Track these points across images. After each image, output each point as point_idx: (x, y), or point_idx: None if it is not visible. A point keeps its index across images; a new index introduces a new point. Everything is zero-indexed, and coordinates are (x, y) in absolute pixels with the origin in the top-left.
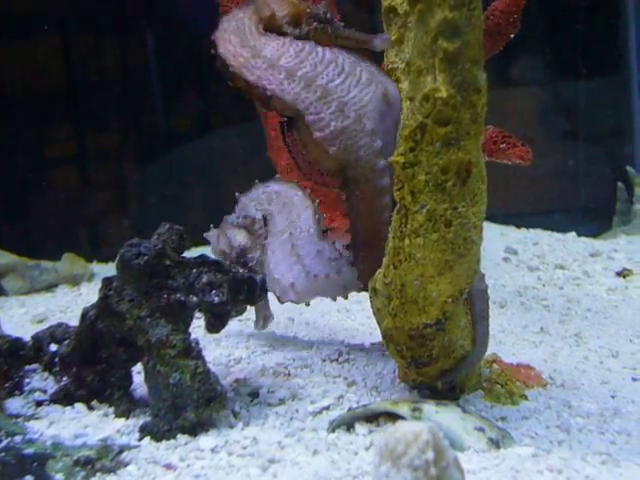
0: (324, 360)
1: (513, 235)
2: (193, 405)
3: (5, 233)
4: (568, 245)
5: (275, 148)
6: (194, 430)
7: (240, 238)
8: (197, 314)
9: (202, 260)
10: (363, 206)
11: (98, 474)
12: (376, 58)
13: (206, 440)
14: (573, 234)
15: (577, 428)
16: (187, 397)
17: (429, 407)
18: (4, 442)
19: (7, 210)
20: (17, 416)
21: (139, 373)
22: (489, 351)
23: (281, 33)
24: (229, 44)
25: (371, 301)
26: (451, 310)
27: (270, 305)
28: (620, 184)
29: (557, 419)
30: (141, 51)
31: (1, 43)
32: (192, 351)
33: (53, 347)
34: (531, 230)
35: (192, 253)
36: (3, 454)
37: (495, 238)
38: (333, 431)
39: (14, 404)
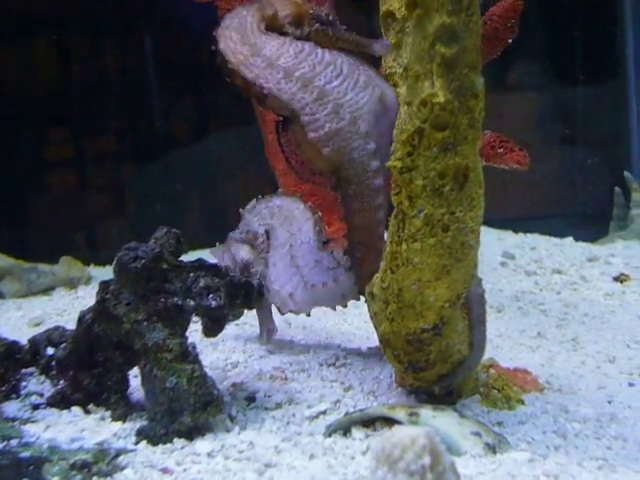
0: (321, 364)
1: (510, 240)
2: (190, 409)
3: (2, 236)
4: (565, 250)
5: (272, 151)
6: (190, 434)
7: (243, 253)
8: (194, 318)
9: (199, 264)
10: (356, 205)
11: (94, 478)
12: (374, 62)
13: (202, 444)
14: (570, 239)
15: (574, 433)
16: (184, 401)
17: (426, 412)
18: (0, 446)
19: (4, 212)
20: (13, 419)
21: (136, 377)
22: (486, 356)
23: (282, 33)
24: (230, 41)
25: (368, 305)
26: (448, 315)
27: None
28: (617, 189)
29: (554, 424)
30: (139, 53)
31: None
32: (189, 355)
33: (50, 350)
34: (528, 235)
35: (189, 257)
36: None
37: (492, 243)
38: (330, 435)
39: (10, 407)
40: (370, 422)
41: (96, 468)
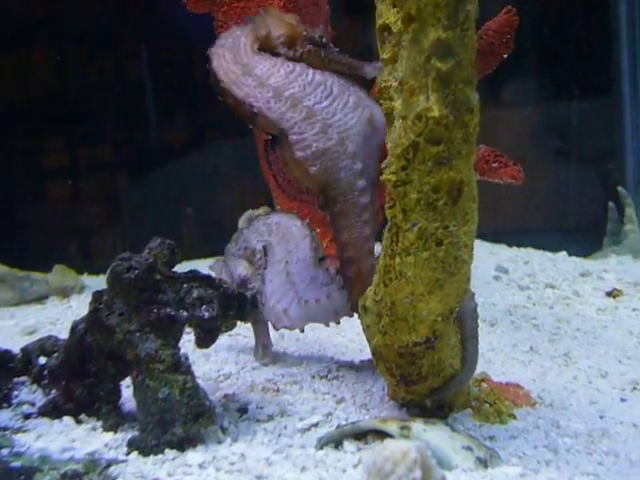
0: (313, 377)
1: (504, 254)
2: (181, 420)
3: None
4: (558, 264)
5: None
6: (182, 445)
7: (241, 269)
8: (187, 329)
9: (193, 275)
10: (343, 222)
11: None
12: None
13: (194, 455)
14: (564, 253)
15: (565, 448)
16: (175, 412)
17: (418, 425)
18: None
19: None
20: (5, 429)
21: (128, 387)
22: (478, 370)
23: (275, 53)
24: (223, 60)
25: (361, 318)
26: (441, 329)
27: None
28: (611, 204)
29: (545, 439)
30: (136, 64)
31: None
32: (181, 366)
33: (42, 360)
34: (522, 249)
35: (183, 267)
36: None
37: (486, 256)
38: (321, 448)
39: (2, 416)
40: (362, 435)
41: (87, 478)
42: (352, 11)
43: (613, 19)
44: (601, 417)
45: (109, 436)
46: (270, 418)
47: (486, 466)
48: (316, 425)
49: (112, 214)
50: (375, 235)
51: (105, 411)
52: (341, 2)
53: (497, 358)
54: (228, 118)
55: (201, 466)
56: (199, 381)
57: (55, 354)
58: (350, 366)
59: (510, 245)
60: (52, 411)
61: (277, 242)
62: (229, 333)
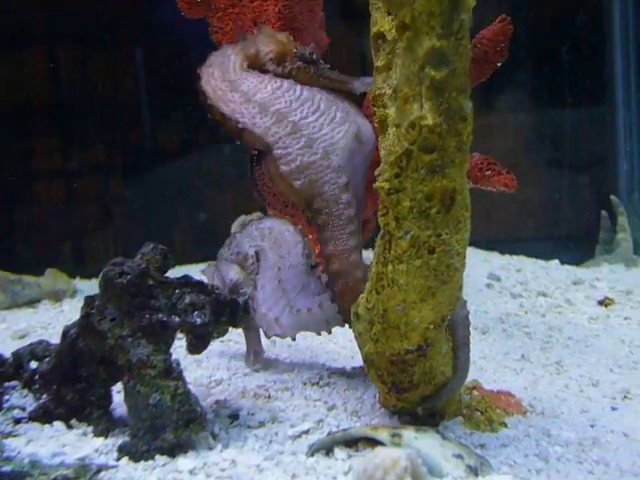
0: (305, 383)
1: (497, 261)
2: (172, 426)
3: None
4: (551, 273)
5: None
6: (173, 451)
7: (232, 274)
8: (179, 334)
9: (185, 280)
10: (327, 234)
11: None
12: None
13: (184, 462)
14: (556, 262)
15: (556, 457)
16: (166, 418)
17: (408, 433)
18: None
19: None
20: None
21: (119, 392)
22: (470, 377)
23: (264, 70)
24: (212, 78)
25: (353, 325)
26: (433, 336)
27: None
28: (604, 213)
29: (536, 447)
30: (130, 67)
31: None
32: (173, 372)
33: (33, 364)
34: (514, 257)
35: (176, 272)
36: None
37: (478, 264)
38: (312, 455)
39: None
40: (353, 442)
41: None
42: (347, 17)
43: (606, 26)
44: (592, 426)
45: (100, 441)
46: (261, 424)
47: (477, 474)
48: (307, 432)
49: (105, 218)
50: (362, 247)
51: (96, 416)
52: (336, 8)
53: (489, 366)
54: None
55: (192, 472)
56: (190, 387)
57: (46, 359)
58: (342, 373)
59: (503, 253)
60: (43, 416)
61: (269, 247)
62: (221, 339)
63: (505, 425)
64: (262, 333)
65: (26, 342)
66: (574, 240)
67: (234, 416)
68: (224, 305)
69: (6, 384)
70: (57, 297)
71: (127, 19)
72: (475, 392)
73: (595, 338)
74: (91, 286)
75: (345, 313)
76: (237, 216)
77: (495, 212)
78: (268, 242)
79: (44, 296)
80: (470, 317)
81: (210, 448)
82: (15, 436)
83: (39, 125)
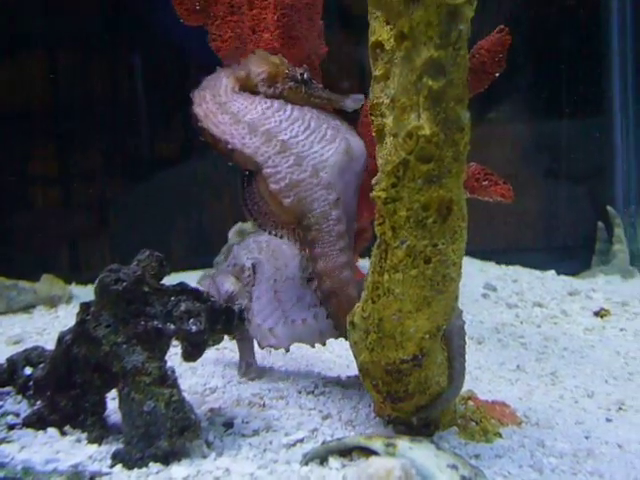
0: (300, 392)
1: (493, 271)
2: (166, 434)
3: None
4: (547, 283)
5: None
6: (166, 459)
7: (228, 285)
8: (174, 342)
9: (181, 288)
10: (318, 250)
11: None
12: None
13: (178, 469)
14: (552, 272)
15: (550, 468)
16: (161, 425)
17: (403, 443)
18: None
19: None
20: None
21: (113, 399)
22: (465, 387)
23: (255, 92)
24: (203, 101)
25: (348, 334)
26: (428, 346)
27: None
28: (600, 224)
29: (530, 458)
30: (127, 73)
31: None
32: (167, 379)
33: (28, 370)
34: (511, 267)
35: (172, 279)
36: None
37: (475, 274)
38: (306, 464)
39: None
40: (347, 452)
41: None
42: (346, 26)
43: (604, 38)
44: (587, 437)
45: (93, 448)
46: (255, 433)
47: None
48: (301, 441)
49: (102, 224)
50: (354, 263)
51: (90, 423)
52: (335, 17)
53: (484, 376)
54: None
55: None
56: (185, 394)
57: (41, 365)
58: (337, 382)
59: (499, 263)
60: (37, 422)
61: (267, 260)
62: (216, 347)
63: (500, 436)
64: (256, 344)
65: (21, 348)
66: (570, 251)
67: (228, 424)
68: (219, 313)
69: (0, 390)
70: (52, 303)
71: (126, 24)
72: (470, 402)
73: (590, 349)
74: (87, 292)
75: (340, 328)
76: (233, 223)
77: (492, 222)
78: (265, 255)
79: (39, 302)
80: (466, 327)
81: (204, 456)
82: (9, 442)
83: (35, 130)
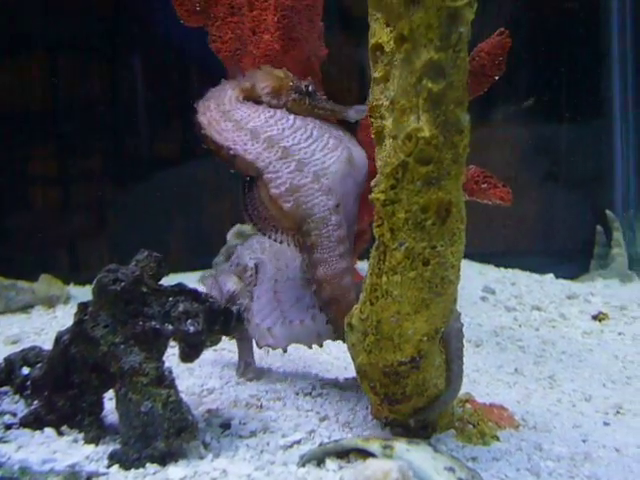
0: (297, 393)
1: (492, 274)
2: (163, 434)
3: None
4: (545, 286)
5: None
6: (163, 460)
7: (230, 284)
8: (172, 342)
9: (179, 289)
10: (317, 256)
11: None
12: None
13: (175, 470)
14: (551, 275)
15: (547, 472)
16: (158, 426)
17: (400, 445)
18: None
19: None
20: None
21: (111, 400)
22: (463, 390)
23: (259, 102)
24: (207, 110)
25: (346, 336)
26: (426, 349)
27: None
28: (599, 228)
29: (527, 462)
30: (127, 74)
31: None
32: (165, 380)
33: (25, 370)
34: (509, 270)
35: (170, 280)
36: None
37: (474, 276)
38: (303, 465)
39: None
40: (344, 453)
41: None
42: (346, 28)
43: (604, 42)
44: (584, 441)
45: (90, 448)
46: (253, 434)
47: None
48: (299, 442)
49: (100, 225)
50: (354, 269)
51: (87, 423)
52: (335, 19)
53: (482, 379)
54: None
55: None
56: (182, 395)
57: (38, 365)
58: (334, 384)
59: (498, 266)
60: (34, 422)
61: (269, 260)
62: (214, 348)
63: (497, 439)
64: (255, 344)
65: (19, 348)
66: (569, 254)
67: (226, 425)
68: (217, 314)
69: None
70: (51, 303)
71: (126, 26)
72: (468, 405)
73: (589, 353)
74: (85, 292)
75: (340, 333)
76: (232, 225)
77: (491, 225)
78: (268, 255)
79: (38, 302)
80: (464, 330)
81: (201, 457)
82: (5, 442)
83: (34, 131)
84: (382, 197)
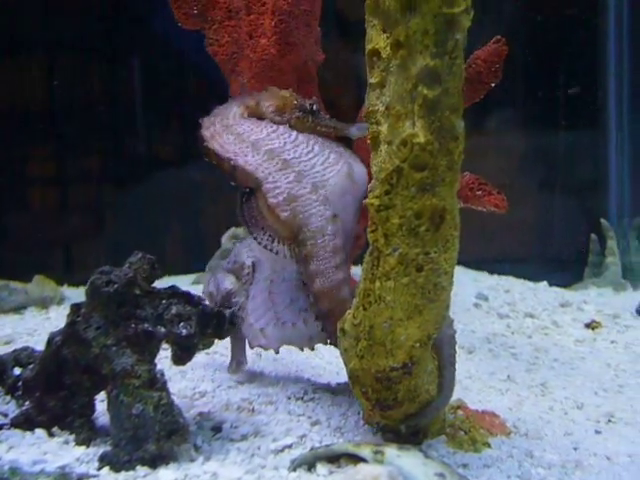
0: (289, 398)
1: (485, 281)
2: (154, 437)
3: None
4: (539, 294)
5: None
6: (154, 462)
7: (227, 283)
8: (164, 345)
9: (172, 291)
10: (313, 267)
11: None
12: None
13: (166, 473)
14: (544, 283)
15: (538, 479)
16: (149, 428)
17: (391, 450)
18: None
19: None
20: None
21: (102, 401)
22: (454, 397)
23: (262, 118)
24: (211, 125)
25: (339, 341)
26: (418, 355)
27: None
28: (593, 236)
29: (518, 469)
30: (125, 76)
31: None
32: (157, 382)
33: (17, 371)
34: (503, 277)
35: (165, 282)
36: None
37: (467, 283)
38: (294, 470)
39: None
40: (335, 458)
41: None
42: (343, 33)
43: (600, 51)
44: (575, 449)
45: (81, 450)
46: (244, 438)
47: None
48: (290, 446)
49: (95, 226)
50: (349, 281)
51: (78, 425)
52: (332, 24)
53: (474, 386)
54: None
55: None
56: (174, 398)
57: (30, 365)
58: (326, 389)
59: (492, 273)
60: (24, 423)
61: (267, 259)
62: (206, 351)
63: (488, 445)
64: (247, 343)
65: (11, 348)
66: (563, 262)
67: (217, 429)
68: (210, 317)
69: None
70: (44, 304)
71: (125, 27)
72: (459, 411)
73: (581, 361)
74: (79, 294)
75: (335, 339)
76: (227, 228)
77: (485, 232)
78: (266, 254)
79: (31, 303)
80: (457, 336)
81: (192, 460)
82: None
83: (30, 132)
84: (376, 202)
